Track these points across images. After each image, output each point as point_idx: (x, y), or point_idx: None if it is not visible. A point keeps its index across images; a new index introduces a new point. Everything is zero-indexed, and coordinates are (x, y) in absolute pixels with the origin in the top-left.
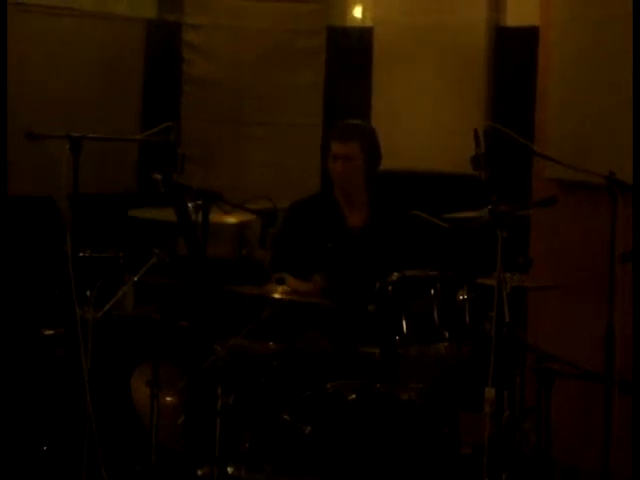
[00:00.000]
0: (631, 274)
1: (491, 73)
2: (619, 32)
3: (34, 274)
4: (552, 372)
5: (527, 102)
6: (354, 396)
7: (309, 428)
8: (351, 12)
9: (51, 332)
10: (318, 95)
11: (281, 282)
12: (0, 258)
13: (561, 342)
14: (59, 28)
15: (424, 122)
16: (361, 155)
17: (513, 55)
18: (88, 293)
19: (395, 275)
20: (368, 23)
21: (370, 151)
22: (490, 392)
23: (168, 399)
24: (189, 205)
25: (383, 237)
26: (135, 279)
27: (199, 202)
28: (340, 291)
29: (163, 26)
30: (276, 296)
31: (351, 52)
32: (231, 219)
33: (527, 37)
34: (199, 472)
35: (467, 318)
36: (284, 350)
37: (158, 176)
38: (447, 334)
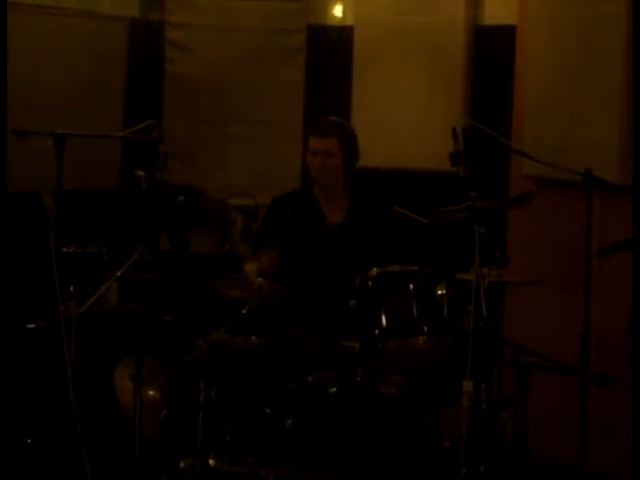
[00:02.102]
0: (606, 269)
1: (470, 71)
2: (597, 30)
3: (18, 269)
4: (529, 365)
5: (505, 100)
6: (335, 389)
7: (290, 421)
8: (331, 11)
9: (34, 326)
10: (299, 93)
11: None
12: None
13: (537, 336)
14: (43, 26)
15: (404, 120)
16: (339, 151)
17: (491, 53)
18: (72, 288)
19: (375, 270)
20: (348, 22)
21: (348, 148)
22: (468, 385)
23: (151, 393)
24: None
25: (361, 233)
26: (118, 274)
27: (181, 199)
28: (320, 286)
29: (146, 24)
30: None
31: (331, 51)
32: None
33: (505, 36)
34: (182, 464)
35: (445, 312)
36: (266, 344)
37: (141, 173)
38: (426, 328)
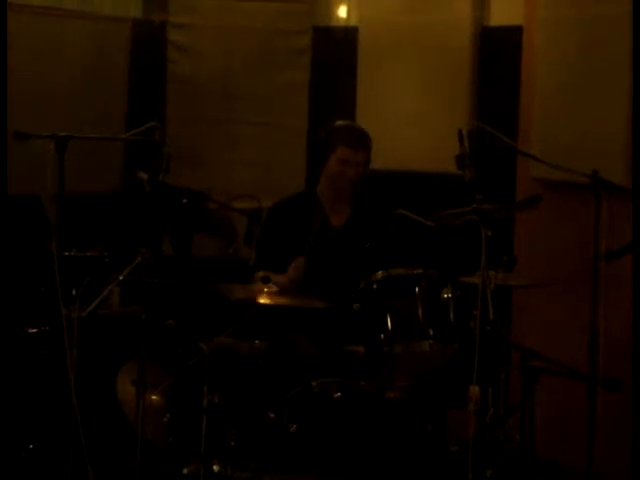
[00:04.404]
0: (614, 272)
1: (476, 72)
2: (603, 32)
3: (20, 273)
4: (536, 369)
5: (511, 102)
6: (339, 394)
7: (295, 426)
8: (336, 12)
9: (36, 330)
10: (303, 95)
11: (266, 281)
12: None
13: (545, 340)
14: (44, 28)
15: (409, 121)
16: (367, 161)
17: (498, 54)
18: (74, 292)
19: (380, 274)
20: (353, 23)
21: (369, 156)
22: (475, 389)
23: (154, 398)
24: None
25: (365, 236)
26: (120, 278)
27: (184, 201)
28: (324, 290)
29: (148, 26)
30: (264, 301)
31: (336, 52)
32: None
33: (511, 37)
34: (185, 470)
35: (451, 316)
36: (270, 349)
37: (144, 175)
38: (432, 332)
